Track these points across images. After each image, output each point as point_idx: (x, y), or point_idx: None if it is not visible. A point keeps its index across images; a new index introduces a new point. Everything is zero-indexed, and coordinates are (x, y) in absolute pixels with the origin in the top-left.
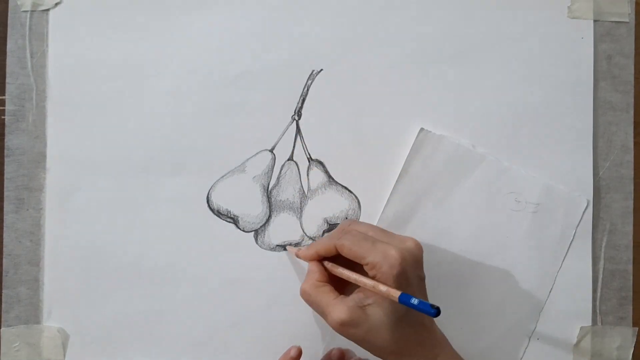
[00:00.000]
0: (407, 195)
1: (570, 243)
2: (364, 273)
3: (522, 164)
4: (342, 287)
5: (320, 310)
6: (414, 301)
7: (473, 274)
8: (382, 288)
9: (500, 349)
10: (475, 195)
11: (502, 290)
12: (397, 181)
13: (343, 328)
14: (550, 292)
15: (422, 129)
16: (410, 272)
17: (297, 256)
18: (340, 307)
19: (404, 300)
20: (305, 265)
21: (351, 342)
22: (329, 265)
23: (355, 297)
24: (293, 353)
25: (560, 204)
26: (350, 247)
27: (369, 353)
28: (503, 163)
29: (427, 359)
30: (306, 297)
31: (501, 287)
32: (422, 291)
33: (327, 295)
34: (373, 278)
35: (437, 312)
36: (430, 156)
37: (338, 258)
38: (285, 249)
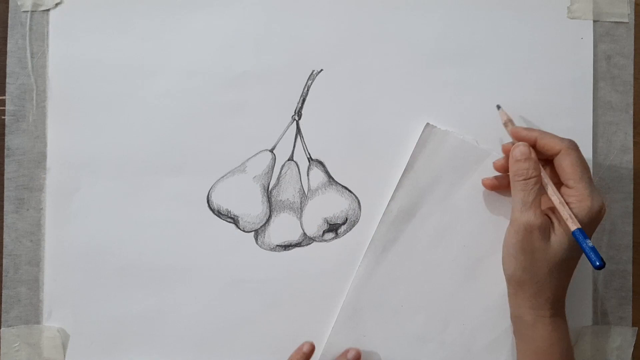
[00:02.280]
0: (412, 190)
1: None
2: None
3: None
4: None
5: (520, 195)
6: (589, 242)
7: (476, 269)
8: (567, 212)
9: (502, 345)
10: (479, 190)
11: (505, 287)
12: (402, 176)
13: (525, 231)
14: None
15: (427, 124)
16: (595, 225)
17: (515, 133)
18: (535, 212)
19: (578, 235)
20: (304, 265)
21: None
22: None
23: (553, 217)
24: (306, 349)
25: None
26: (551, 138)
27: None
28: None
29: (552, 309)
30: (525, 164)
31: (504, 283)
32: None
33: (537, 187)
34: (569, 205)
35: (601, 265)
36: (435, 151)
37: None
38: (285, 249)
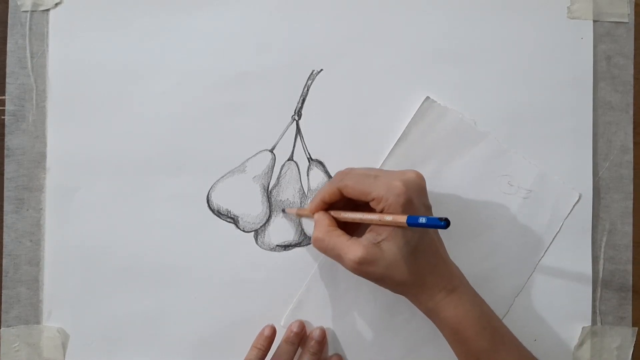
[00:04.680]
0: (403, 160)
1: (556, 235)
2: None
3: None
4: (350, 233)
5: (335, 253)
6: (422, 220)
7: (454, 250)
8: (388, 217)
9: None
10: (470, 171)
11: (480, 270)
12: (394, 146)
13: (361, 267)
14: (528, 279)
15: (427, 98)
16: (416, 200)
17: (300, 215)
18: (355, 247)
19: (412, 221)
20: (304, 265)
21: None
22: (334, 213)
23: (367, 236)
24: (267, 332)
25: (552, 194)
26: (353, 186)
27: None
28: (502, 145)
29: (446, 290)
30: (319, 244)
31: (480, 266)
32: None
33: (340, 239)
34: (381, 212)
35: (446, 223)
36: (431, 126)
37: (342, 209)
38: (285, 249)
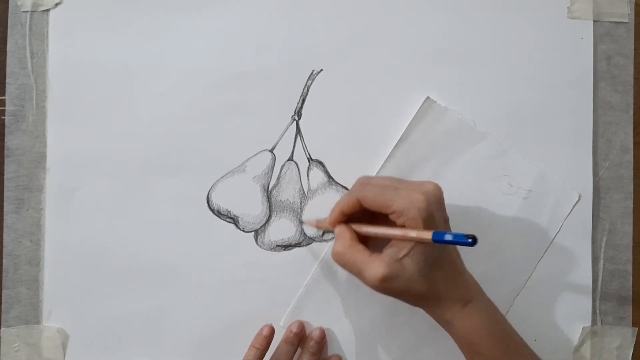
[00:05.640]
0: (403, 161)
1: (556, 235)
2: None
3: None
4: (371, 248)
5: (356, 269)
6: (448, 237)
7: None
8: (413, 233)
9: None
10: (470, 172)
11: (480, 271)
12: (395, 146)
13: (383, 284)
14: (528, 279)
15: (427, 98)
16: (437, 214)
17: (319, 227)
18: (377, 264)
19: (438, 238)
20: (304, 265)
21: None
22: (355, 226)
23: (389, 251)
24: (266, 332)
25: (551, 194)
26: (374, 198)
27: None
28: (502, 145)
29: (462, 301)
30: (340, 258)
31: (479, 267)
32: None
33: (362, 254)
34: (402, 226)
35: (473, 241)
36: (431, 126)
37: (359, 219)
38: (285, 249)
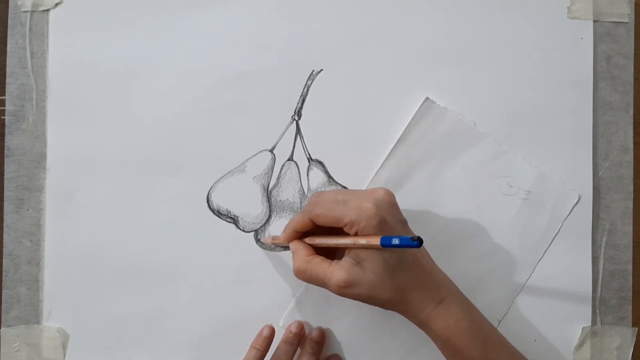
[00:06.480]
0: (402, 162)
1: (555, 235)
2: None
3: None
4: (331, 257)
5: (319, 280)
6: (395, 241)
7: (453, 250)
8: (362, 241)
9: None
10: (470, 172)
11: (479, 271)
12: (394, 147)
13: (346, 289)
14: (528, 279)
15: (427, 98)
16: (390, 218)
17: (275, 244)
18: (337, 271)
19: (385, 243)
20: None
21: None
22: (308, 240)
23: (348, 257)
24: (266, 333)
25: (551, 195)
26: (325, 214)
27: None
28: (502, 146)
29: (434, 302)
30: (302, 274)
31: (479, 267)
32: (408, 234)
33: (321, 265)
34: (355, 235)
35: (419, 242)
36: (431, 126)
37: (315, 233)
38: (285, 249)
